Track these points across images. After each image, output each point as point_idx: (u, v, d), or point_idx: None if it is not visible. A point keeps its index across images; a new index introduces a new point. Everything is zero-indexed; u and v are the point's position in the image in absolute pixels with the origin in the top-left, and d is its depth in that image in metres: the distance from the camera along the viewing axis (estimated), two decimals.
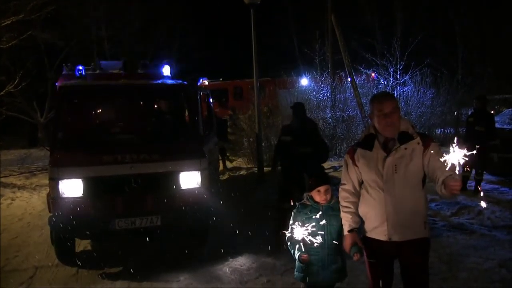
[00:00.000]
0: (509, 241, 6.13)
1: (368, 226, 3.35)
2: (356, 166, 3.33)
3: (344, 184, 3.44)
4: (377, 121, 3.24)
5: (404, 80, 15.21)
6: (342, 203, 3.44)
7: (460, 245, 6.06)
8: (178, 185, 6.00)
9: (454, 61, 21.34)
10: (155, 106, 7.71)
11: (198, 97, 7.62)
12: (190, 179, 6.07)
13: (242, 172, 12.81)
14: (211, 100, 9.35)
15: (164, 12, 25.27)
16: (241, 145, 14.74)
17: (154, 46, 25.78)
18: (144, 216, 5.80)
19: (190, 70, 20.81)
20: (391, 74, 15.07)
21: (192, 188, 6.06)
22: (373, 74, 16.20)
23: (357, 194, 3.39)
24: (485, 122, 8.77)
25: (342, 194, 3.46)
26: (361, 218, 3.41)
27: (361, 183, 3.37)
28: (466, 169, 8.33)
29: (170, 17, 25.82)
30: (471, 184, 8.99)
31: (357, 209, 3.40)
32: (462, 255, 5.68)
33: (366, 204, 3.34)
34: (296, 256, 3.54)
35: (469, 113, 10.22)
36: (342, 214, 3.44)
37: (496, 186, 9.35)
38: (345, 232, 3.41)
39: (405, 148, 3.16)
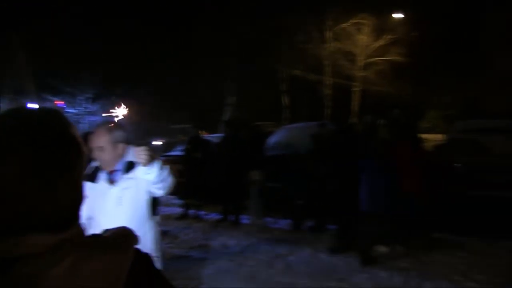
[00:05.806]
0: (203, 259, 6.70)
1: None
2: None
3: None
4: None
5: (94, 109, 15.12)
6: None
7: (165, 269, 6.29)
8: None
9: None
10: None
11: None
12: None
13: None
14: None
15: None
16: None
17: None
18: None
19: None
20: (80, 103, 14.74)
21: None
22: (56, 102, 15.55)
23: None
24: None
25: None
26: None
27: None
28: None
29: None
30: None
31: None
32: (171, 278, 5.89)
33: None
34: None
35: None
36: None
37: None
38: None
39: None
